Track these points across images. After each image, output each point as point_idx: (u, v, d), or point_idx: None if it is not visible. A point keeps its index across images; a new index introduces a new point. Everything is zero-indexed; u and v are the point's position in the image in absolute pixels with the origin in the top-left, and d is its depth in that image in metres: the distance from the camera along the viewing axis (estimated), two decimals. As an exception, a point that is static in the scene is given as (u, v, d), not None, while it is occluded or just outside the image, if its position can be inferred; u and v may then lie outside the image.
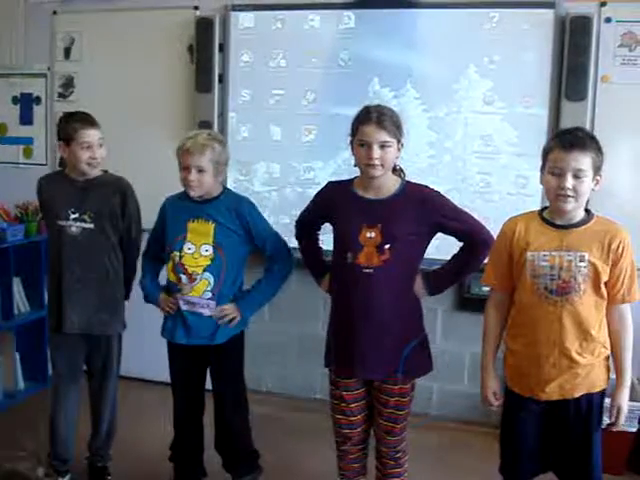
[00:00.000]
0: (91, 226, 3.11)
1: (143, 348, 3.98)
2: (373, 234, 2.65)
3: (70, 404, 3.26)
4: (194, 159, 2.89)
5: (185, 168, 2.92)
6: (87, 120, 3.12)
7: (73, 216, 3.10)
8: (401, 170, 2.80)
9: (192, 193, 2.95)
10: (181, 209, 3.03)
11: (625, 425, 3.37)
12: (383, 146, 2.60)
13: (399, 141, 2.66)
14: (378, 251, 2.65)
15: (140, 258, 3.24)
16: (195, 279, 2.94)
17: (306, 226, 3.02)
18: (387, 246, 2.64)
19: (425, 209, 2.68)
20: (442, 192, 2.79)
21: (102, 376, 3.27)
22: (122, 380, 4.19)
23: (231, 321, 2.98)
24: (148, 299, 3.15)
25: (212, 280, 2.95)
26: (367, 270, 2.66)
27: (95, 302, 3.15)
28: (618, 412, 2.45)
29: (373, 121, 2.60)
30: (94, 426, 3.33)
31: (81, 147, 3.05)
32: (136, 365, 4.35)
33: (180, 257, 2.95)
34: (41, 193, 3.23)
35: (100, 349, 3.23)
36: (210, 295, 2.95)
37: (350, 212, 2.71)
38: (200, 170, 2.90)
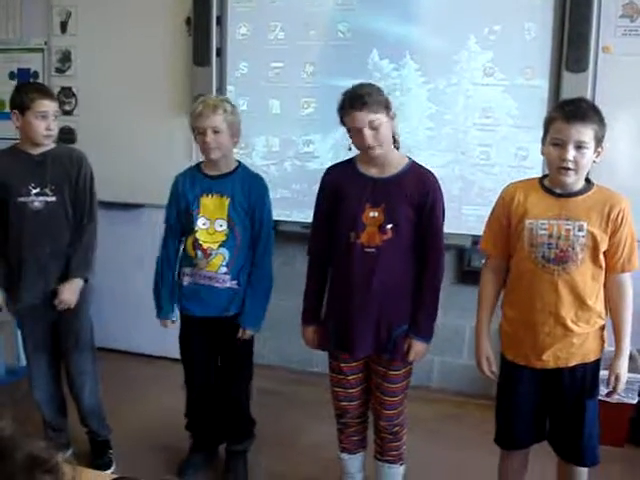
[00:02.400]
0: (54, 199, 3.07)
1: (140, 323, 3.99)
2: (376, 214, 2.63)
3: (43, 377, 3.25)
4: (209, 120, 2.88)
5: (201, 132, 2.90)
6: (44, 90, 3.08)
7: (34, 191, 3.05)
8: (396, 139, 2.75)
9: (212, 156, 2.94)
10: (194, 184, 3.02)
11: (625, 397, 3.42)
12: (373, 127, 2.55)
13: (388, 113, 2.59)
14: (380, 231, 2.63)
15: (159, 250, 3.15)
16: (210, 254, 2.95)
17: (322, 231, 2.82)
18: (389, 226, 2.62)
19: (421, 194, 2.64)
20: (441, 183, 2.73)
21: (73, 349, 3.22)
22: (122, 355, 4.24)
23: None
24: (159, 315, 3.13)
25: (227, 255, 2.96)
26: (369, 250, 2.64)
27: (58, 275, 3.11)
28: (616, 380, 2.45)
29: (354, 107, 2.54)
30: (75, 402, 3.30)
31: (36, 117, 2.98)
32: (136, 340, 4.37)
33: (195, 232, 2.95)
34: None
35: (73, 322, 3.19)
36: (225, 270, 2.97)
37: (354, 191, 2.68)
38: (216, 131, 2.89)
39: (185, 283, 3.06)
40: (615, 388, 2.47)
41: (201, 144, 2.93)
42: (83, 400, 3.28)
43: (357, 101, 2.54)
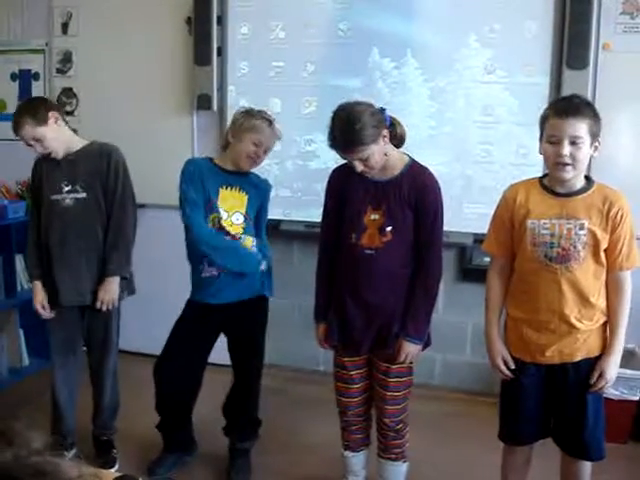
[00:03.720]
0: (84, 195, 3.10)
1: (144, 323, 4.00)
2: (377, 216, 2.67)
3: (68, 378, 3.28)
4: (266, 138, 3.03)
5: (257, 145, 3.00)
6: (12, 125, 3.07)
7: (66, 188, 3.10)
8: (402, 137, 2.76)
9: (249, 168, 3.06)
10: (211, 174, 3.04)
11: (628, 394, 3.43)
12: (362, 159, 2.57)
13: (379, 135, 2.56)
14: (380, 232, 2.66)
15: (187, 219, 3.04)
16: (240, 238, 3.04)
17: (331, 231, 2.83)
18: (389, 228, 2.65)
19: (418, 195, 2.65)
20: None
21: (101, 349, 3.26)
22: (126, 355, 4.24)
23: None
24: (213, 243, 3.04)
25: (254, 240, 3.08)
26: (369, 251, 2.67)
27: (92, 272, 3.14)
28: (600, 377, 2.44)
29: (340, 149, 2.59)
30: (96, 401, 3.33)
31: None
32: (139, 340, 4.37)
33: (219, 219, 3.01)
34: (37, 171, 3.20)
35: (98, 321, 3.22)
36: (256, 250, 3.08)
37: (357, 194, 2.71)
38: (265, 150, 3.06)
39: (208, 274, 3.04)
40: (597, 384, 2.45)
41: (251, 155, 3.00)
42: (105, 399, 3.32)
43: (341, 145, 2.57)
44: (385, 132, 2.60)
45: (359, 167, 2.59)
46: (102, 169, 3.13)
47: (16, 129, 3.05)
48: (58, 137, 3.09)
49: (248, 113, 3.05)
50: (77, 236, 3.12)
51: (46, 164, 3.16)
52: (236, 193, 3.04)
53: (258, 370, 3.23)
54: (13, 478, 0.95)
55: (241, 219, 3.03)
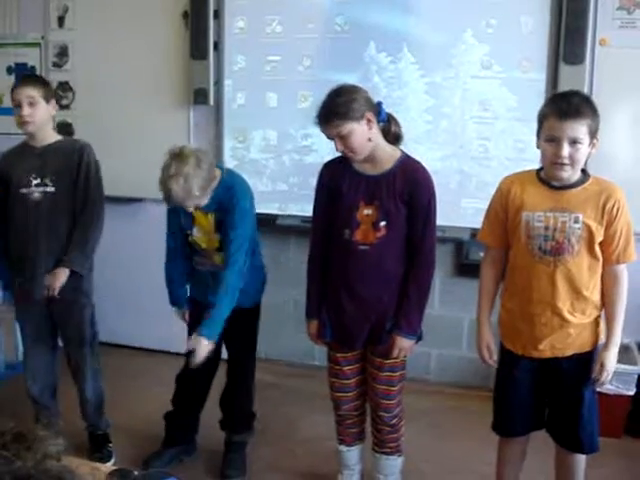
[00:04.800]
0: (52, 189, 3.08)
1: (141, 317, 4.00)
2: (370, 211, 2.65)
3: (39, 370, 3.28)
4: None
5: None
6: (18, 81, 3.11)
7: (35, 182, 3.08)
8: (397, 123, 2.76)
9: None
10: None
11: (622, 388, 3.43)
12: (342, 137, 2.56)
13: (360, 118, 2.56)
14: (374, 228, 2.65)
15: (165, 253, 3.13)
16: (212, 254, 3.01)
17: (322, 226, 2.81)
18: (383, 223, 2.64)
19: (411, 189, 2.64)
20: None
21: (75, 344, 3.24)
22: (124, 349, 4.24)
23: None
24: (173, 302, 3.18)
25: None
26: (363, 247, 2.67)
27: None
28: (601, 369, 2.45)
29: (321, 122, 2.60)
30: (79, 395, 3.32)
31: (14, 108, 3.05)
32: (137, 334, 4.38)
33: (191, 237, 2.99)
34: (3, 166, 3.17)
35: (66, 316, 3.20)
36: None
37: (349, 189, 2.70)
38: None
39: (196, 267, 3.09)
40: (600, 377, 2.47)
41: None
42: (85, 393, 3.30)
43: (322, 116, 2.59)
44: (371, 116, 2.58)
45: (339, 146, 2.58)
46: (73, 165, 3.10)
47: (20, 83, 3.06)
48: (47, 120, 3.11)
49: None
50: (44, 230, 3.09)
51: (15, 157, 3.15)
52: (202, 215, 2.95)
53: (251, 364, 3.23)
54: None
55: (216, 236, 2.97)
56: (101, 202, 3.16)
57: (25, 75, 3.15)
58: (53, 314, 3.21)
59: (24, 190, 3.08)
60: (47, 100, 3.07)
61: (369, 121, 2.58)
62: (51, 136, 3.17)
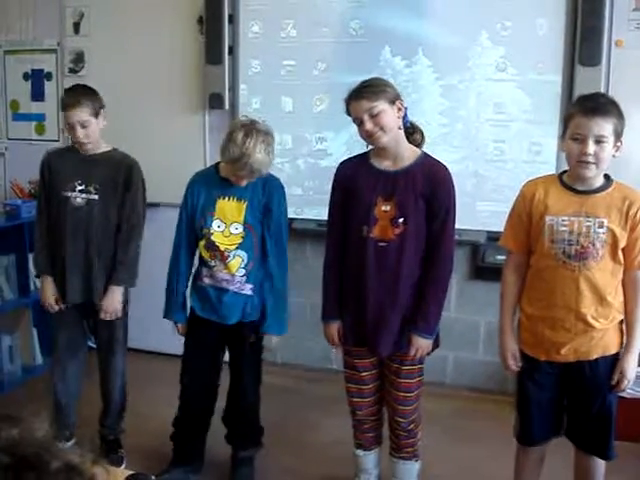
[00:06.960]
0: (95, 197, 3.11)
1: (156, 321, 4.00)
2: (388, 207, 2.63)
3: (70, 376, 3.29)
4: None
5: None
6: (68, 100, 3.09)
7: (79, 187, 3.11)
8: (421, 133, 2.77)
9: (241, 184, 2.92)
10: (211, 185, 2.98)
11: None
12: (372, 115, 2.56)
13: (392, 101, 2.60)
14: (392, 224, 2.63)
15: (170, 257, 3.12)
16: (228, 257, 2.93)
17: (338, 226, 2.81)
18: (401, 220, 2.62)
19: (432, 187, 2.64)
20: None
21: (108, 349, 3.27)
22: (137, 353, 4.24)
23: None
24: (168, 316, 3.14)
25: (246, 257, 2.93)
26: (381, 244, 2.65)
27: (95, 272, 3.15)
28: (621, 376, 2.44)
29: (353, 97, 2.60)
30: (104, 400, 3.34)
31: (67, 127, 3.10)
32: (152, 338, 4.38)
33: (210, 234, 2.93)
34: (48, 165, 3.21)
35: (104, 322, 3.21)
36: (244, 272, 2.94)
37: (367, 185, 2.68)
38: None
39: (202, 284, 3.03)
40: (619, 383, 2.46)
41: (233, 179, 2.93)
42: (113, 399, 3.32)
43: (355, 92, 2.60)
44: (401, 105, 2.62)
45: (368, 125, 2.57)
46: (119, 180, 3.14)
47: (70, 105, 3.05)
48: (97, 133, 3.14)
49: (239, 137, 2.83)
50: (85, 236, 3.13)
51: (59, 160, 3.19)
52: (233, 202, 2.93)
53: (256, 380, 3.15)
54: (19, 453, 0.94)
55: (240, 229, 2.92)
56: (144, 219, 3.26)
57: (72, 91, 3.14)
58: (89, 319, 3.26)
59: (67, 193, 3.12)
60: (97, 115, 3.10)
61: (399, 110, 2.61)
62: (101, 146, 3.20)
